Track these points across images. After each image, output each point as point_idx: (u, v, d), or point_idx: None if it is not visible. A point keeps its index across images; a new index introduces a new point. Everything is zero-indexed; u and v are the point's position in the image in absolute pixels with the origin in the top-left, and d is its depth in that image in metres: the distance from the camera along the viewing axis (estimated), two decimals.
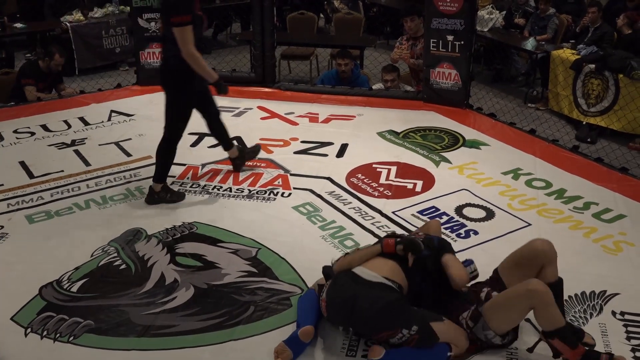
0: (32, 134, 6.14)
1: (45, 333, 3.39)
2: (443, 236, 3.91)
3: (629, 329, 3.50)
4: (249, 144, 5.88)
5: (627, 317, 3.59)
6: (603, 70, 6.60)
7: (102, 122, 6.48)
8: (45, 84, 7.27)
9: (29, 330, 3.42)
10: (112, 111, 6.77)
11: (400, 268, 3.37)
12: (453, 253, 3.48)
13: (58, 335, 3.38)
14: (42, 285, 3.78)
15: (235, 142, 5.37)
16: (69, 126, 6.35)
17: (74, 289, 3.77)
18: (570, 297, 3.74)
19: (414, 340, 3.14)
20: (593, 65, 6.69)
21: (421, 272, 3.39)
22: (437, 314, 3.28)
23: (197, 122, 6.40)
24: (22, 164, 5.45)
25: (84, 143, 5.92)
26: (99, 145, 5.88)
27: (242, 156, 5.32)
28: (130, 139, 6.02)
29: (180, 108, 4.64)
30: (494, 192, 5.04)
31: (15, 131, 6.17)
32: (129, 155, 5.66)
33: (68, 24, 8.72)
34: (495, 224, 4.57)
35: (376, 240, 3.72)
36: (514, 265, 3.43)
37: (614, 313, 3.62)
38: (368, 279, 3.29)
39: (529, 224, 4.56)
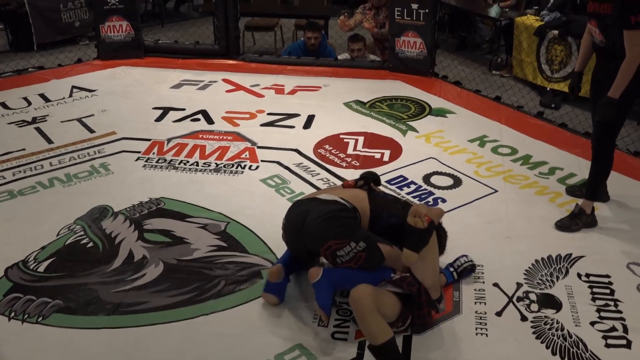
0: None
1: (12, 315, 3.34)
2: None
3: (594, 290, 3.57)
4: (215, 117, 5.84)
5: (592, 278, 3.66)
6: (566, 36, 6.64)
7: (64, 98, 6.35)
8: None
9: None
10: (73, 87, 6.64)
11: (366, 197, 3.44)
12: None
13: (26, 316, 3.33)
14: (8, 266, 3.72)
15: None
16: (29, 103, 6.21)
17: (41, 268, 3.71)
18: (537, 260, 3.81)
19: (361, 258, 3.16)
20: (556, 32, 6.72)
21: (388, 214, 3.41)
22: (382, 239, 3.30)
23: (161, 95, 6.36)
24: None
25: (46, 120, 5.80)
26: (61, 122, 5.77)
27: None
28: (92, 114, 5.91)
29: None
30: (460, 159, 5.08)
31: None
32: (92, 131, 5.56)
33: None
34: (463, 192, 4.60)
35: None
36: None
37: (579, 275, 3.69)
38: (323, 198, 3.37)
39: (496, 191, 4.61)
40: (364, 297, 2.94)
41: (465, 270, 3.60)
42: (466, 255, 3.65)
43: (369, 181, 3.60)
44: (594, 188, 4.20)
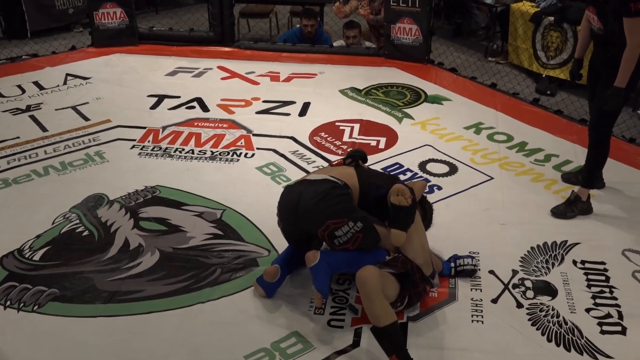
0: None
1: (8, 303, 3.34)
2: None
3: (590, 277, 3.58)
4: (211, 104, 5.81)
5: (587, 265, 3.67)
6: (562, 22, 6.61)
7: (58, 86, 6.32)
8: None
9: None
10: (67, 74, 6.60)
11: (355, 173, 3.43)
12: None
13: (22, 304, 3.33)
14: (3, 254, 3.71)
15: None
16: (23, 91, 6.18)
17: (36, 257, 3.71)
18: (532, 248, 3.81)
19: (358, 239, 3.16)
20: (552, 18, 6.70)
21: (376, 186, 3.42)
22: (377, 219, 3.31)
23: (156, 83, 6.33)
24: None
25: (40, 108, 5.78)
26: (56, 110, 5.74)
27: None
28: (87, 102, 5.89)
29: None
30: (456, 147, 5.07)
31: None
32: (87, 119, 5.54)
33: None
34: (459, 179, 4.60)
35: None
36: None
37: (574, 262, 3.70)
38: (313, 179, 3.36)
39: (492, 178, 4.61)
40: (371, 278, 2.94)
41: (465, 272, 3.56)
42: (473, 257, 3.61)
43: (357, 159, 3.61)
44: (590, 175, 4.21)
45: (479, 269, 3.60)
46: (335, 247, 3.22)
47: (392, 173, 4.59)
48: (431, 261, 3.32)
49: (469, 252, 3.66)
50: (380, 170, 3.98)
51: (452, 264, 3.57)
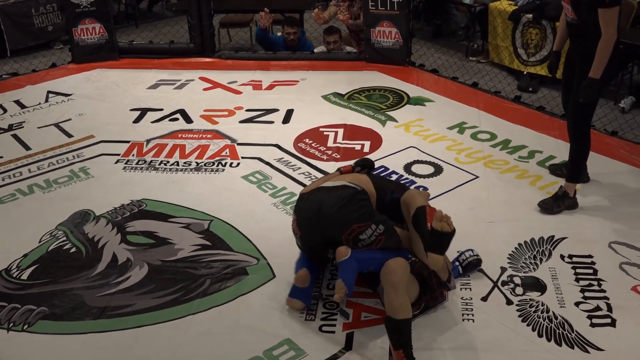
0: None
1: None
2: None
3: (578, 270, 3.61)
4: (194, 116, 5.81)
5: (575, 259, 3.70)
6: (540, 19, 6.66)
7: (40, 103, 6.28)
8: None
9: None
10: (48, 92, 6.56)
11: (369, 179, 3.48)
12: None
13: (11, 324, 3.31)
14: None
15: None
16: (5, 110, 6.14)
17: (24, 276, 3.68)
18: (520, 244, 3.84)
19: (381, 241, 3.19)
20: (530, 15, 6.75)
21: (390, 190, 3.50)
22: (395, 222, 3.37)
23: (138, 97, 6.31)
24: None
25: (22, 127, 5.74)
26: (38, 127, 5.71)
27: None
28: (70, 119, 5.86)
29: None
30: (440, 147, 5.10)
31: None
32: (70, 136, 5.51)
33: None
34: (444, 179, 4.62)
35: None
36: (408, 224, 3.43)
37: (562, 257, 3.73)
38: (330, 185, 3.37)
39: (477, 177, 4.63)
40: (400, 269, 2.99)
41: (471, 264, 3.59)
42: (472, 250, 3.64)
43: (367, 167, 3.68)
44: (575, 170, 4.24)
45: (481, 259, 3.63)
46: (359, 249, 3.23)
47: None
48: (446, 265, 3.32)
49: (457, 251, 3.67)
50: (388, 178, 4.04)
51: (457, 263, 3.58)
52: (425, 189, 4.44)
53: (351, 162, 3.77)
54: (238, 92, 6.43)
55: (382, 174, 4.64)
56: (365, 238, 3.19)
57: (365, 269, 3.25)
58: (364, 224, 3.18)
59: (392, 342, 2.95)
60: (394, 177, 4.62)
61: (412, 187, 4.04)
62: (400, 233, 3.34)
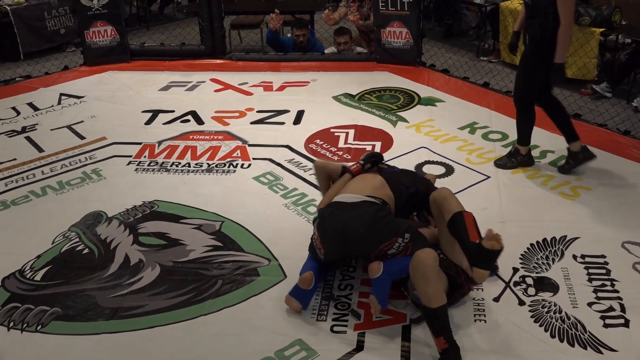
0: None
1: (11, 324, 3.34)
2: None
3: (590, 270, 3.59)
4: (205, 117, 5.83)
5: (587, 259, 3.68)
6: None
7: (52, 106, 6.33)
8: None
9: None
10: (61, 94, 6.61)
11: (384, 182, 3.53)
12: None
13: (25, 325, 3.33)
14: (4, 276, 3.71)
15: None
16: (18, 113, 6.19)
17: (38, 277, 3.71)
18: (532, 244, 3.82)
19: (409, 248, 3.21)
20: None
21: (405, 186, 3.58)
22: (418, 222, 3.41)
23: (149, 98, 6.35)
24: None
25: (35, 129, 5.78)
26: (51, 130, 5.75)
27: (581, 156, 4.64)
28: (82, 121, 5.90)
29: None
30: (452, 147, 5.09)
31: None
32: (82, 138, 5.54)
33: (7, 7, 8.42)
34: (455, 179, 4.61)
35: None
36: (438, 223, 3.47)
37: (575, 257, 3.71)
38: (350, 201, 3.37)
39: (488, 177, 4.62)
40: (429, 259, 3.00)
41: None
42: None
43: (376, 163, 3.72)
44: (523, 135, 4.66)
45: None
46: (389, 258, 3.26)
47: None
48: None
49: None
50: (398, 168, 4.03)
51: None
52: None
53: (359, 160, 3.75)
54: (249, 94, 6.45)
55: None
56: (394, 251, 3.23)
57: (399, 277, 3.27)
58: (390, 241, 3.22)
59: (431, 330, 2.99)
60: None
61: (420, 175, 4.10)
62: (426, 232, 3.40)
